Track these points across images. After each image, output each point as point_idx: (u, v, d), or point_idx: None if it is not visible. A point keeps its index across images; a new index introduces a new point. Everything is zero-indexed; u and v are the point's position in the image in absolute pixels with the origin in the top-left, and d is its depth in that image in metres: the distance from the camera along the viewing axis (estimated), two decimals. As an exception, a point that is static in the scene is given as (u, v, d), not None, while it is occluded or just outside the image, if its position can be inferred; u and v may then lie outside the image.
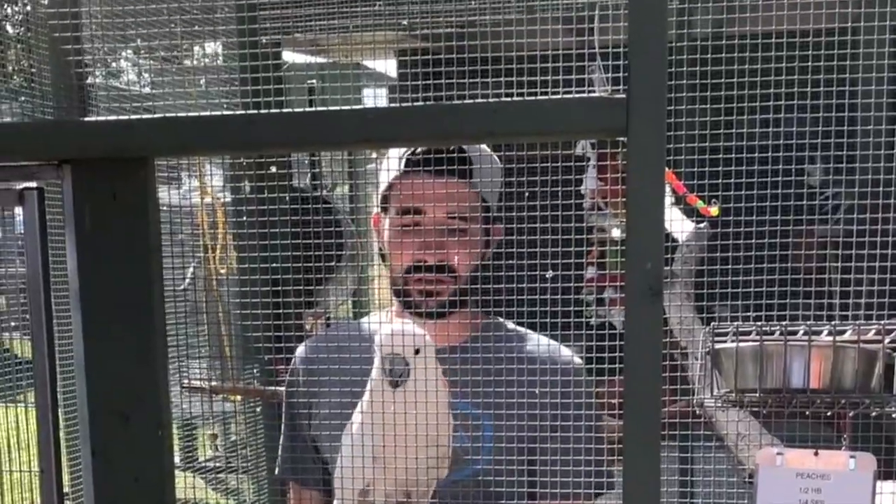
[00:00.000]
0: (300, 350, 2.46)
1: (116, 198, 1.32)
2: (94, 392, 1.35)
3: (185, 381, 3.83)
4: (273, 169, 3.19)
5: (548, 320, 2.22)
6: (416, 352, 2.00)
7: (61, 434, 1.64)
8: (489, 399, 2.19)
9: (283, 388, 2.57)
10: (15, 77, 4.77)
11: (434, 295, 2.29)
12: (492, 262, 2.31)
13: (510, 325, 2.38)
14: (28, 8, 4.06)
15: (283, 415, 2.49)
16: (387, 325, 2.09)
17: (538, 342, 2.31)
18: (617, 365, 1.28)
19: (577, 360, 2.30)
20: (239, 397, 4.20)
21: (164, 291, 1.35)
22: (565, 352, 2.30)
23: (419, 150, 2.23)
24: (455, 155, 2.20)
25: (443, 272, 2.28)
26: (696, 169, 2.49)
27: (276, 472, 2.56)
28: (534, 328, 2.34)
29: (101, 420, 1.35)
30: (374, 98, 5.39)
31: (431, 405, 1.97)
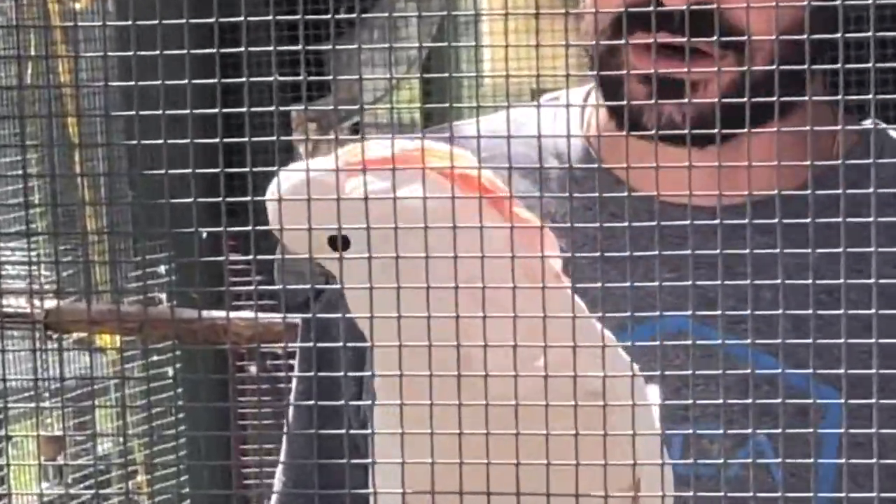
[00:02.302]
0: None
1: None
2: None
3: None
4: None
5: None
6: (338, 246, 1.03)
7: None
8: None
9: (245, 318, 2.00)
10: None
11: (691, 90, 1.20)
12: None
13: None
14: None
15: (294, 384, 1.43)
16: (321, 161, 1.04)
17: None
18: None
19: None
20: (116, 337, 2.53)
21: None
22: None
23: None
24: None
25: (709, 34, 1.16)
26: None
27: None
28: None
29: None
30: None
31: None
